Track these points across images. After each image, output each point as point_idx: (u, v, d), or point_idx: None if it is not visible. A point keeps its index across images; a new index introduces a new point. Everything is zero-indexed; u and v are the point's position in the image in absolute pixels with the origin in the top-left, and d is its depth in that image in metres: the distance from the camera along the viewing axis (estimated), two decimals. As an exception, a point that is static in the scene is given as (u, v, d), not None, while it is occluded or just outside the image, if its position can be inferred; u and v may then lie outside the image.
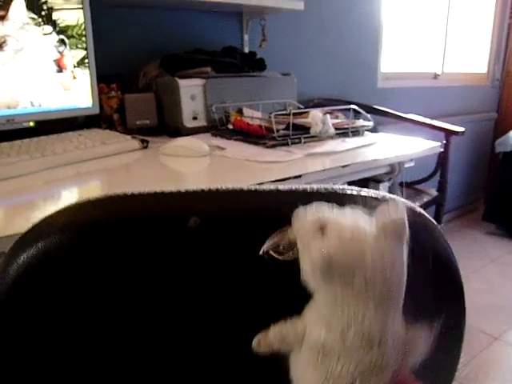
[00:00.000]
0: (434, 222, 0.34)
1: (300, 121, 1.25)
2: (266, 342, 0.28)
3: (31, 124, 1.11)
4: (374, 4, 2.30)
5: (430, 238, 0.33)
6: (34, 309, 0.28)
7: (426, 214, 0.34)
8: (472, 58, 3.24)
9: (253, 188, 0.31)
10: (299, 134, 1.20)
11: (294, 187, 0.31)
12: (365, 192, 0.31)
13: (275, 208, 0.30)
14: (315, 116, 1.22)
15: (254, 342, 0.28)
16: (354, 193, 0.31)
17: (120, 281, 0.29)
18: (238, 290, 0.30)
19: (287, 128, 1.19)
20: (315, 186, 0.31)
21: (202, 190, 0.30)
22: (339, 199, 0.29)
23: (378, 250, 0.26)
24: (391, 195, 0.31)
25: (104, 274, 0.29)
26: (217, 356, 0.32)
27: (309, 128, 1.23)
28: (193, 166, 1.03)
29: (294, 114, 1.23)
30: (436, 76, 2.90)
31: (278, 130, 1.17)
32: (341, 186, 0.31)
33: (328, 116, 1.25)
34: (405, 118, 2.05)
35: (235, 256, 0.30)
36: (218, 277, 0.30)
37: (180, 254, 0.29)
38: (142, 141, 1.14)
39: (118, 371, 0.31)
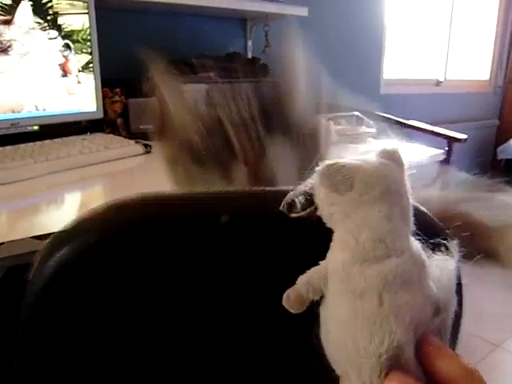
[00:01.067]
0: (436, 220, 0.35)
1: (303, 127, 1.25)
2: (294, 291, 0.28)
3: (35, 128, 1.11)
4: (377, 11, 2.30)
5: (434, 235, 0.34)
6: (70, 306, 0.29)
7: (429, 212, 0.35)
8: (474, 65, 3.24)
9: (274, 189, 0.33)
10: (302, 140, 1.20)
11: None
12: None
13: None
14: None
15: (284, 298, 0.28)
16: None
17: (156, 279, 0.30)
18: (262, 283, 0.32)
19: (290, 134, 1.19)
20: None
21: (228, 191, 0.33)
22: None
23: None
24: None
25: (141, 274, 0.30)
26: (249, 350, 0.33)
27: (312, 134, 1.23)
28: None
29: (297, 120, 1.23)
30: (438, 83, 2.91)
31: (280, 136, 1.17)
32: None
33: (331, 122, 1.25)
34: (407, 124, 2.05)
35: (260, 252, 0.32)
36: (245, 269, 0.32)
37: (214, 250, 0.31)
38: (146, 145, 1.14)
39: (156, 368, 0.32)
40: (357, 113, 1.38)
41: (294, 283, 0.29)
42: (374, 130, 1.37)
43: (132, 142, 1.14)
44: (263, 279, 0.32)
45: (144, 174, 1.02)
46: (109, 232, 0.29)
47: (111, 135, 1.22)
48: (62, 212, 0.78)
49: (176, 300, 0.31)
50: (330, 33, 2.11)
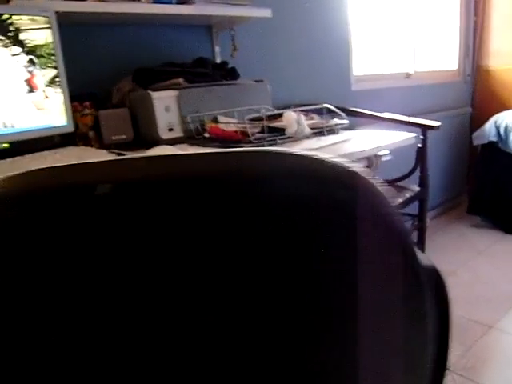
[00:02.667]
0: (376, 185, 0.33)
1: (275, 124, 1.27)
2: None
3: (5, 145, 1.10)
4: (340, 9, 2.34)
5: (373, 201, 0.33)
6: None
7: (367, 177, 0.33)
8: (443, 56, 3.31)
9: (159, 155, 0.30)
10: (275, 135, 1.21)
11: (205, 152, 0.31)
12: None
13: (182, 173, 0.29)
14: (289, 117, 1.24)
15: None
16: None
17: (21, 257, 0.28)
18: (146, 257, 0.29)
19: (262, 131, 1.20)
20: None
21: (111, 161, 0.30)
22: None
23: None
24: None
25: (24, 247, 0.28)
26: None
27: (284, 130, 1.24)
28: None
29: (269, 118, 1.25)
30: (408, 75, 2.96)
31: (253, 134, 1.18)
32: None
33: (302, 116, 1.26)
34: (379, 116, 2.08)
35: (147, 221, 0.29)
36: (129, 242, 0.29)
37: (93, 220, 0.28)
38: (118, 154, 1.14)
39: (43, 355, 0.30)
40: (327, 105, 1.40)
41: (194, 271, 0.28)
42: (346, 122, 1.39)
43: (104, 151, 1.14)
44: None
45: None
46: None
47: (83, 147, 1.21)
48: None
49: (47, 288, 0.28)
50: (295, 33, 2.14)
